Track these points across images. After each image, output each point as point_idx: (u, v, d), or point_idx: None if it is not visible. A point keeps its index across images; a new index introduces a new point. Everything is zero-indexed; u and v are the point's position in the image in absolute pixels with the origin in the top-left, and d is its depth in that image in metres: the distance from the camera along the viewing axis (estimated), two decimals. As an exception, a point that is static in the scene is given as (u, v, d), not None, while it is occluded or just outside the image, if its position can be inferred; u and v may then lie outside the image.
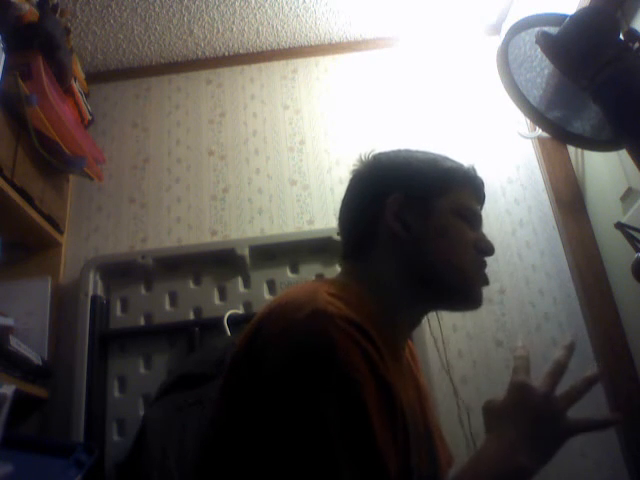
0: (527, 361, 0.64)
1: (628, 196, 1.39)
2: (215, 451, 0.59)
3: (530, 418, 0.59)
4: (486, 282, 0.73)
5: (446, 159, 0.77)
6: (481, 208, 0.78)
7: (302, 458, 0.50)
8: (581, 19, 1.17)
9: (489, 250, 0.73)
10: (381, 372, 0.55)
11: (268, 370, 0.55)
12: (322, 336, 0.54)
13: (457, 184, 0.74)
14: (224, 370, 0.63)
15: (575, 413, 0.61)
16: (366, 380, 0.53)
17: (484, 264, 0.73)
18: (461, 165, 0.76)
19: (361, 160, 0.78)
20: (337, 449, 0.50)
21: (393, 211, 0.71)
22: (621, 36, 1.14)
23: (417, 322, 0.77)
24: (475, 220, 0.74)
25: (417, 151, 0.78)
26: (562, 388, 0.62)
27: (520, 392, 0.60)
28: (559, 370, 0.62)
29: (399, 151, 0.78)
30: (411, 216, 0.71)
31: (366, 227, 0.74)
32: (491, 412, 0.62)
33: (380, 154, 0.78)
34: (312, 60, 1.98)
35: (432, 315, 1.55)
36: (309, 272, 1.59)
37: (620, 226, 1.17)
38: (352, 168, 0.79)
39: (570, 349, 0.64)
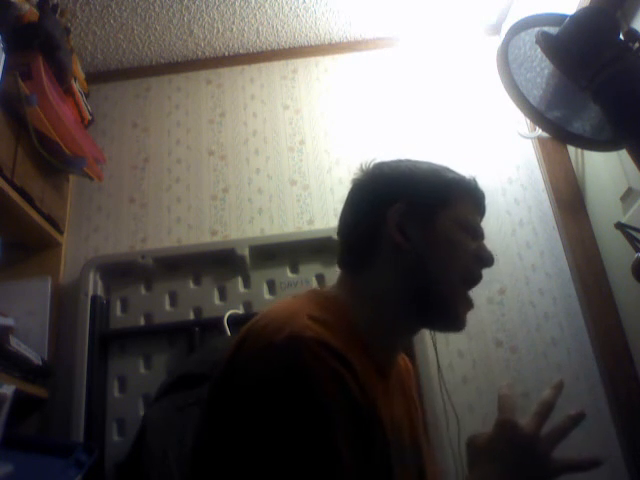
0: (512, 400, 0.63)
1: (628, 196, 1.39)
2: (201, 461, 0.60)
3: (515, 458, 0.58)
4: (471, 305, 0.73)
5: (448, 170, 0.76)
6: (481, 220, 0.77)
7: None
8: (581, 19, 1.17)
9: (489, 260, 0.73)
10: (355, 396, 0.55)
11: (244, 391, 0.56)
12: (296, 361, 0.54)
13: (459, 196, 0.73)
14: (210, 382, 0.63)
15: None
16: (337, 406, 0.53)
17: (479, 278, 0.73)
18: (463, 177, 0.76)
19: (362, 169, 0.77)
20: (303, 475, 0.50)
21: (394, 221, 0.70)
22: (621, 36, 1.14)
23: (409, 336, 0.76)
24: (476, 232, 0.74)
25: (419, 161, 0.77)
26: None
27: (506, 431, 0.59)
28: (546, 410, 0.61)
29: (401, 161, 0.77)
30: (412, 227, 0.70)
31: (366, 237, 0.73)
32: (475, 448, 0.62)
33: (382, 163, 0.77)
34: (312, 60, 1.98)
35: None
36: (309, 272, 1.59)
37: (620, 226, 1.17)
38: (353, 177, 0.78)
39: (558, 389, 0.63)
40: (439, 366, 1.36)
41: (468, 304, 0.73)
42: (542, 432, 0.60)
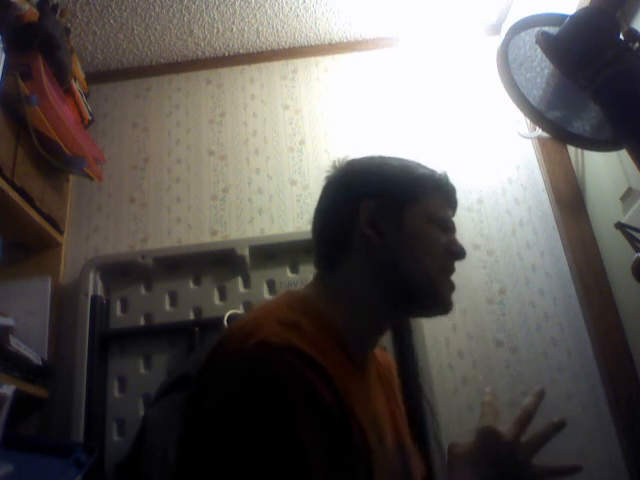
0: (494, 407, 0.64)
1: (628, 196, 1.39)
2: (182, 464, 0.59)
3: (495, 464, 0.59)
4: (452, 287, 0.73)
5: (419, 166, 0.76)
6: (453, 214, 0.78)
7: None
8: (581, 19, 1.17)
9: (461, 254, 0.73)
10: (325, 401, 0.54)
11: (215, 397, 0.56)
12: (264, 368, 0.54)
13: (429, 191, 0.74)
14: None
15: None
16: (305, 411, 0.53)
17: (452, 270, 0.73)
18: (433, 172, 0.76)
19: (334, 166, 0.78)
20: None
21: (366, 218, 0.71)
22: (621, 36, 1.14)
23: (386, 330, 0.76)
24: (448, 226, 0.74)
25: (390, 157, 0.78)
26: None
27: (487, 438, 0.61)
28: (527, 417, 0.63)
29: (372, 157, 0.78)
30: (384, 223, 0.71)
31: (339, 233, 0.73)
32: (457, 455, 0.63)
33: (353, 160, 0.78)
34: (312, 60, 1.98)
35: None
36: (309, 272, 1.59)
37: (620, 226, 1.17)
38: (326, 174, 0.78)
39: (539, 397, 0.65)
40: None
41: (450, 287, 0.73)
42: (523, 439, 0.61)
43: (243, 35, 1.92)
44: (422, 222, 0.71)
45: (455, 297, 0.73)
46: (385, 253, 0.70)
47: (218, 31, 1.88)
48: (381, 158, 0.78)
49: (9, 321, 1.27)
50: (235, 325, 0.62)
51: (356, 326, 0.69)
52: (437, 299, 0.71)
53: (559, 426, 0.62)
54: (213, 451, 0.53)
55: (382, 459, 0.63)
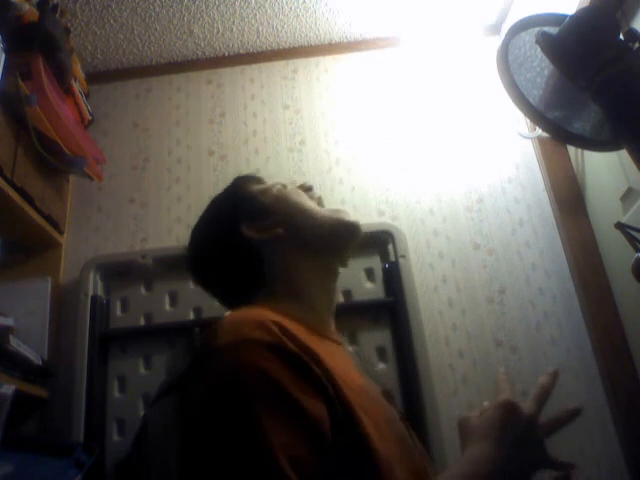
0: (510, 383, 0.65)
1: (628, 196, 1.39)
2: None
3: (514, 439, 0.58)
4: (338, 209, 0.86)
5: (235, 184, 0.95)
6: None
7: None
8: (581, 19, 1.17)
9: (307, 183, 0.90)
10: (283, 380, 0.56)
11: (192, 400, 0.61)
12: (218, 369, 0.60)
13: (254, 183, 0.91)
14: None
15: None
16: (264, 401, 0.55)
17: (321, 201, 0.88)
18: (249, 173, 0.96)
19: (187, 248, 0.90)
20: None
21: (257, 231, 0.81)
22: (621, 36, 1.14)
23: (333, 292, 0.84)
24: (284, 184, 0.90)
25: (211, 203, 0.97)
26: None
27: (507, 412, 0.60)
28: (544, 395, 0.62)
29: (201, 216, 0.95)
30: (268, 221, 0.82)
31: (247, 265, 0.82)
32: (471, 430, 0.61)
33: (193, 229, 0.93)
34: (312, 60, 1.98)
35: (433, 315, 1.55)
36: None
37: (620, 226, 1.17)
38: (187, 258, 0.90)
39: (554, 377, 0.64)
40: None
41: (336, 209, 0.86)
42: (540, 419, 0.61)
43: (243, 35, 1.92)
44: (280, 197, 0.85)
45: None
46: (290, 232, 0.81)
47: (218, 31, 1.88)
48: (206, 210, 0.95)
49: (9, 321, 1.27)
50: (214, 324, 0.67)
51: (305, 307, 0.76)
52: (341, 222, 0.83)
53: (574, 413, 0.62)
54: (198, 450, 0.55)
55: (376, 417, 0.62)
